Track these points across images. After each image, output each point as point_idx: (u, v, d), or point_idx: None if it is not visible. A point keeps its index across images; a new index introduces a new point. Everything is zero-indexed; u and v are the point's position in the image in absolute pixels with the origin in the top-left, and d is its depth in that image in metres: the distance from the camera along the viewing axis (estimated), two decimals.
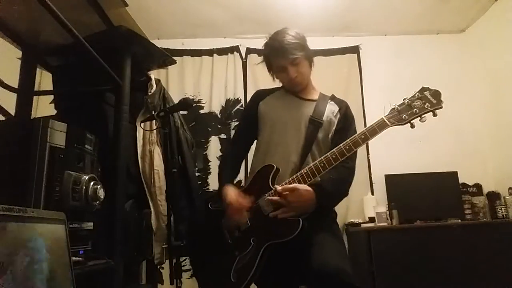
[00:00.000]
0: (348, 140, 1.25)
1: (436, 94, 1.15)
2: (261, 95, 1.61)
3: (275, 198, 1.27)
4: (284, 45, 1.41)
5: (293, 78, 1.45)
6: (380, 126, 1.19)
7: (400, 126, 1.18)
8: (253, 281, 1.26)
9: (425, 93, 1.16)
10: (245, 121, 1.70)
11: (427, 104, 1.15)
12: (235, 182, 1.52)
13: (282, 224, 1.24)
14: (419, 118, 1.15)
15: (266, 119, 1.52)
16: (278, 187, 1.27)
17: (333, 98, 1.55)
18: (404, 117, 1.16)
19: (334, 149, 1.26)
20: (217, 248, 1.38)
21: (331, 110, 1.49)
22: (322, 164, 1.26)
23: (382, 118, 1.20)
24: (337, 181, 1.33)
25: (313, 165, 1.29)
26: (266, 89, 1.65)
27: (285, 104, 1.53)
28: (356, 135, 1.24)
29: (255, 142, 1.60)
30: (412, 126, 1.17)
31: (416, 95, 1.18)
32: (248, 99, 3.18)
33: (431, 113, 1.14)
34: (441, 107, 1.14)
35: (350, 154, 1.24)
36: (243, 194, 1.36)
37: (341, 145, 1.25)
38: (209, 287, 1.41)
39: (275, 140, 1.46)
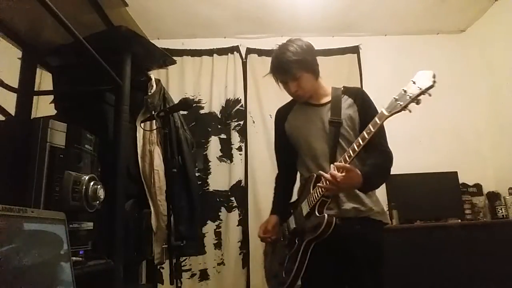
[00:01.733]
0: (358, 138, 1.28)
1: (429, 75, 1.12)
2: (283, 114, 1.68)
3: (327, 175, 1.29)
4: (283, 64, 1.46)
5: (293, 93, 1.53)
6: (379, 117, 1.22)
7: (398, 114, 1.17)
8: (298, 276, 1.37)
9: (419, 76, 1.15)
10: (279, 145, 1.75)
11: (419, 86, 1.12)
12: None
13: (312, 222, 1.36)
14: (415, 102, 1.13)
15: (295, 139, 1.60)
16: (336, 163, 1.31)
17: (345, 91, 1.58)
18: (399, 104, 1.16)
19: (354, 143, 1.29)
20: (278, 248, 1.57)
21: (347, 104, 1.53)
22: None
23: (381, 110, 1.23)
24: (379, 166, 1.43)
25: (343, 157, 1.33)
26: (284, 106, 1.71)
27: (306, 118, 1.58)
28: (364, 131, 1.26)
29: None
30: (409, 111, 1.15)
31: (411, 81, 1.16)
32: (248, 99, 3.21)
33: (426, 94, 1.11)
34: (433, 86, 1.10)
35: (359, 148, 1.26)
36: (275, 227, 1.59)
37: (354, 144, 1.29)
38: (269, 283, 1.60)
39: (308, 154, 1.54)
